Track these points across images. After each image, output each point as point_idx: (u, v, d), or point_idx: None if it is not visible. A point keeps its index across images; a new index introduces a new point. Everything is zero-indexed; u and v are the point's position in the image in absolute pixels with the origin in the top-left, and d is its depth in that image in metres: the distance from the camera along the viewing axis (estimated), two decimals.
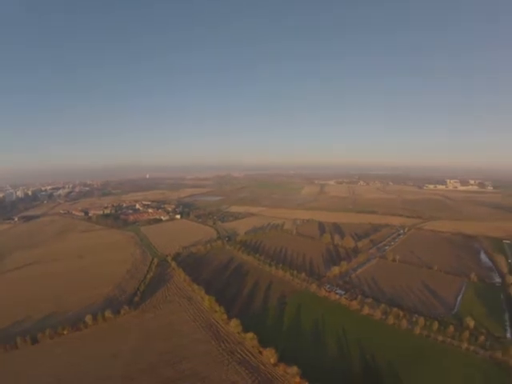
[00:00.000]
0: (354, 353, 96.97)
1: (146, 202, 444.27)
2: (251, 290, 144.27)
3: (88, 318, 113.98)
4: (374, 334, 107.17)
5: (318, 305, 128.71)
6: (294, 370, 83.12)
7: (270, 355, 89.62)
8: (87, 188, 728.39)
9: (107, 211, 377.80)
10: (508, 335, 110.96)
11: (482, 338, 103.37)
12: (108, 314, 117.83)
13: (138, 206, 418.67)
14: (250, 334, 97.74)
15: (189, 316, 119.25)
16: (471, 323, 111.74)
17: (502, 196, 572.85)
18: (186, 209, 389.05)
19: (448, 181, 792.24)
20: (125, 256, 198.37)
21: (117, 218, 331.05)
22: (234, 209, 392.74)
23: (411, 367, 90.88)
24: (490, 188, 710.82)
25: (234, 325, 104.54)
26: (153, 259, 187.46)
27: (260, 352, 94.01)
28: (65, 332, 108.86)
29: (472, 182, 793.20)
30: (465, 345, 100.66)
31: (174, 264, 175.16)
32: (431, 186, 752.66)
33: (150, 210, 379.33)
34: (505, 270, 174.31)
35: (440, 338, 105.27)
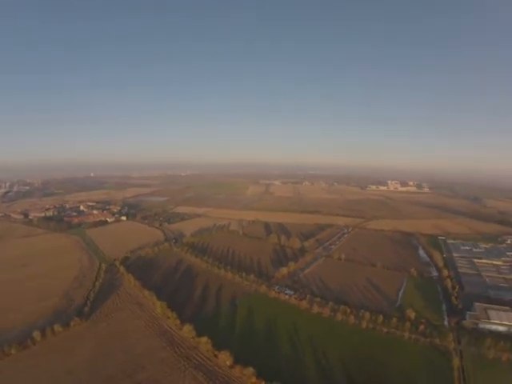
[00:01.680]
0: (306, 350, 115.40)
1: (91, 203, 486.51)
2: (202, 293, 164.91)
3: (36, 334, 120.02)
4: (324, 331, 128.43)
5: (268, 306, 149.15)
6: (250, 370, 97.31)
7: (225, 358, 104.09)
8: (27, 187, 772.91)
9: (49, 213, 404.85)
10: (445, 323, 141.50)
11: (422, 327, 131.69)
12: (57, 327, 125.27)
13: (82, 208, 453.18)
14: (204, 339, 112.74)
15: (142, 323, 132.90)
16: (412, 314, 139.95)
17: (437, 196, 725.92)
18: (132, 210, 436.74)
19: (389, 182, 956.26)
20: (71, 262, 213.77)
21: (60, 221, 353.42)
22: (180, 209, 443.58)
23: (361, 358, 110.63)
24: (426, 189, 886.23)
25: (188, 330, 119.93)
26: (101, 264, 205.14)
27: (215, 355, 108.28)
28: (12, 351, 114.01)
29: (411, 183, 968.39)
30: (407, 334, 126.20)
31: (122, 269, 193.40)
32: (373, 187, 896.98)
33: (95, 212, 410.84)
34: (440, 264, 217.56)
35: (385, 329, 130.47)
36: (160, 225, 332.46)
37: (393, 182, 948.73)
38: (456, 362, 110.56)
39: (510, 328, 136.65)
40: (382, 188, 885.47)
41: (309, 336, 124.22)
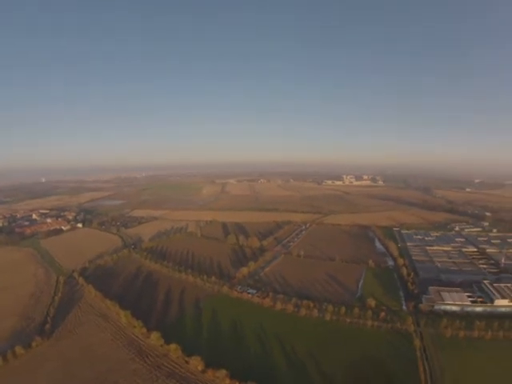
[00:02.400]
0: (274, 347, 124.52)
1: (44, 211, 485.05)
2: (165, 298, 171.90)
3: None
4: (290, 327, 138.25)
5: (232, 306, 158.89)
6: (223, 373, 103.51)
7: (196, 363, 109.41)
8: None
9: None
10: (404, 308, 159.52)
11: (382, 314, 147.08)
12: (19, 349, 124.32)
13: (34, 216, 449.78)
14: (173, 345, 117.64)
15: (108, 335, 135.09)
16: (373, 303, 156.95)
17: (390, 189, 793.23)
18: (88, 216, 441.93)
19: (344, 176, 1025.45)
20: (26, 277, 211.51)
21: (11, 232, 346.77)
22: (137, 213, 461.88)
23: (328, 349, 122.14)
24: (380, 182, 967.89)
25: (155, 338, 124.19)
26: (58, 277, 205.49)
27: (186, 361, 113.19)
28: None
29: (365, 177, 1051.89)
30: (370, 322, 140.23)
31: (82, 280, 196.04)
32: (329, 182, 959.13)
33: (48, 220, 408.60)
34: (396, 253, 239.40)
35: (348, 320, 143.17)
36: (117, 230, 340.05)
37: (348, 177, 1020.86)
38: (417, 342, 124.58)
39: (463, 307, 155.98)
40: (338, 183, 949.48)
41: (275, 333, 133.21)
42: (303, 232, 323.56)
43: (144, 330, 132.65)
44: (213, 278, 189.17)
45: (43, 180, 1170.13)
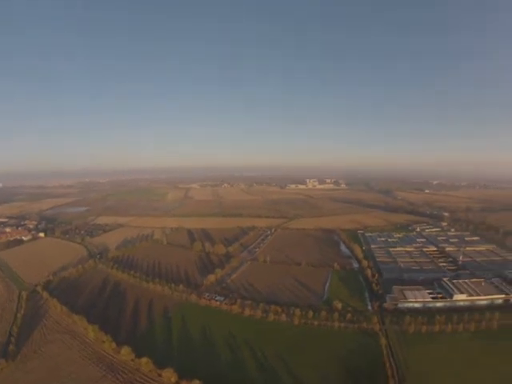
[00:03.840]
0: (245, 353, 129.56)
1: (3, 219, 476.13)
2: (133, 309, 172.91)
3: None
4: (259, 332, 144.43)
5: (201, 314, 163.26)
6: (196, 383, 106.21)
7: (169, 375, 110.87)
8: None
9: None
10: (369, 308, 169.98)
11: (349, 315, 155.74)
12: None
13: None
14: (145, 359, 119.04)
15: (76, 353, 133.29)
16: (339, 305, 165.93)
17: (353, 192, 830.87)
18: (50, 224, 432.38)
19: (308, 180, 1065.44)
20: None
21: None
22: (102, 220, 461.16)
23: (297, 352, 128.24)
24: (343, 185, 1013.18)
25: (126, 352, 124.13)
26: (20, 293, 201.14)
27: (159, 374, 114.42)
28: None
29: (328, 180, 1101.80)
30: (337, 324, 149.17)
31: (46, 295, 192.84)
32: (293, 186, 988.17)
33: (7, 230, 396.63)
34: (360, 256, 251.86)
35: (316, 322, 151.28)
36: (82, 239, 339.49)
37: (311, 181, 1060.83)
38: (383, 340, 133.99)
39: (425, 304, 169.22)
40: (301, 186, 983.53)
41: (245, 339, 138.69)
42: (268, 237, 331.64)
43: (113, 344, 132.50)
44: (180, 287, 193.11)
45: (0, 185, 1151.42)
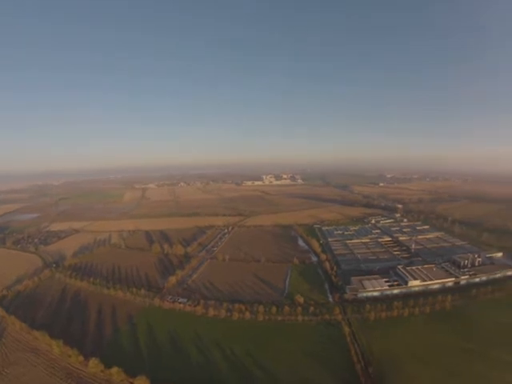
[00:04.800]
0: (215, 353, 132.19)
1: None
2: (97, 319, 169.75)
3: None
4: (225, 332, 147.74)
5: (166, 318, 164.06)
6: None
7: (142, 383, 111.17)
8: None
9: None
10: (330, 300, 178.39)
11: (311, 308, 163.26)
12: None
13: None
14: (115, 369, 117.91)
15: (43, 371, 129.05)
16: (301, 299, 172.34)
17: (310, 187, 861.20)
18: (0, 234, 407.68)
19: (264, 176, 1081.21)
20: None
21: None
22: (56, 226, 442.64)
23: (265, 347, 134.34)
24: (300, 180, 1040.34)
25: (94, 364, 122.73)
26: None
27: (131, 383, 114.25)
28: None
29: (285, 176, 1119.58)
30: (300, 317, 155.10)
31: (2, 311, 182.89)
32: (249, 183, 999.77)
33: None
34: (318, 250, 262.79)
35: (280, 318, 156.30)
36: (36, 248, 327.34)
37: (268, 177, 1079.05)
38: (346, 329, 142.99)
39: (382, 291, 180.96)
40: (258, 183, 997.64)
41: (213, 340, 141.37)
42: (226, 235, 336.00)
43: (81, 357, 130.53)
44: (142, 291, 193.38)
45: None
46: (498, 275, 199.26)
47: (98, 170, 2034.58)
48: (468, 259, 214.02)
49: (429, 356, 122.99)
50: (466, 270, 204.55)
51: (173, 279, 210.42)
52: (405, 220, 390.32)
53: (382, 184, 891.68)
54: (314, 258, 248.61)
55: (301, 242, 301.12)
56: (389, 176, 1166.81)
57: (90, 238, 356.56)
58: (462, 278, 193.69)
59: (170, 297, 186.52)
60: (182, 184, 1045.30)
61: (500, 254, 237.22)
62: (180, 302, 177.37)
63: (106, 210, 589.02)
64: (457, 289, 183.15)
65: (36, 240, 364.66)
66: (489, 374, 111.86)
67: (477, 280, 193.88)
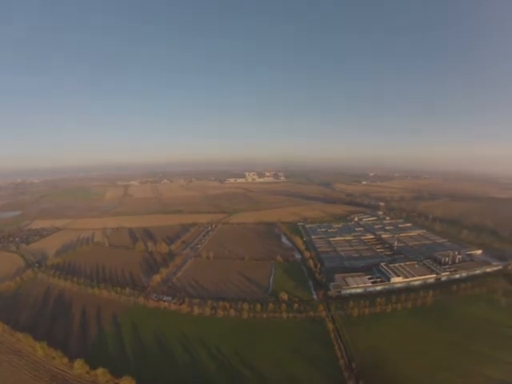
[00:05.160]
0: (201, 352, 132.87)
1: None
2: (81, 319, 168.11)
3: None
4: (211, 330, 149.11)
5: (151, 316, 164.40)
6: None
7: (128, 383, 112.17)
8: None
9: None
10: (314, 297, 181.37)
11: (296, 305, 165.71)
12: None
13: None
14: (100, 370, 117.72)
15: (26, 374, 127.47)
16: (285, 296, 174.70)
17: (293, 184, 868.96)
18: None
19: (247, 174, 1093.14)
20: None
21: None
22: (37, 224, 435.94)
23: (251, 345, 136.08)
24: (282, 178, 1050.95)
25: (79, 365, 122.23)
26: None
27: None
28: None
29: (268, 173, 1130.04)
30: (285, 314, 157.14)
31: None
32: (232, 180, 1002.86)
33: None
34: (302, 247, 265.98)
35: (264, 315, 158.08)
36: (17, 247, 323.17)
37: (251, 174, 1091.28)
38: (330, 325, 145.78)
39: (366, 288, 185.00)
40: (241, 180, 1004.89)
41: (198, 338, 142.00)
42: (210, 233, 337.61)
43: (65, 359, 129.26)
44: (127, 290, 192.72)
45: None
46: (477, 271, 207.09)
47: (79, 167, 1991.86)
48: (449, 256, 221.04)
49: (411, 350, 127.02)
50: (446, 266, 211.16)
51: (157, 277, 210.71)
52: (387, 218, 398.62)
53: (364, 182, 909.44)
54: (298, 256, 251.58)
55: (284, 240, 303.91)
56: (371, 174, 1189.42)
57: (73, 237, 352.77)
58: (443, 274, 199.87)
59: (154, 295, 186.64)
60: (165, 181, 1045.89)
61: (479, 252, 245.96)
62: (165, 301, 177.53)
63: (89, 207, 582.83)
64: (438, 285, 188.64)
65: (17, 239, 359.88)
66: (470, 367, 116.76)
67: (457, 276, 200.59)
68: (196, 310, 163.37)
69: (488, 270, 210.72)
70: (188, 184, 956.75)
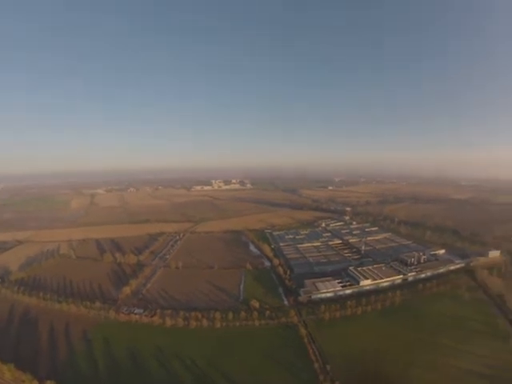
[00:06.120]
0: (176, 365, 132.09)
1: None
2: (49, 337, 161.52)
3: None
4: (184, 341, 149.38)
5: (123, 331, 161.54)
6: None
7: None
8: None
9: None
10: (285, 303, 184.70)
11: (267, 312, 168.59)
12: None
13: None
14: None
15: None
16: (256, 304, 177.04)
17: (259, 191, 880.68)
18: None
19: (213, 181, 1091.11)
20: None
21: None
22: None
23: (225, 354, 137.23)
24: (249, 185, 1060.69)
25: None
26: None
27: None
28: None
29: (234, 180, 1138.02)
30: (257, 322, 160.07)
31: None
32: (198, 188, 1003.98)
33: None
34: (271, 254, 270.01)
35: (237, 323, 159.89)
36: None
37: (217, 181, 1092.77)
38: (303, 330, 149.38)
39: (336, 292, 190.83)
40: (207, 188, 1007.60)
41: (172, 350, 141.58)
42: (178, 242, 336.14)
43: (35, 382, 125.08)
44: (97, 304, 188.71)
45: None
46: (441, 270, 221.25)
47: (42, 174, 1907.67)
48: (414, 257, 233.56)
49: (383, 348, 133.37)
50: (412, 267, 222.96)
51: (127, 289, 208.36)
52: (354, 222, 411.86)
53: (330, 187, 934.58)
54: (267, 263, 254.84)
55: (252, 248, 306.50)
56: (337, 180, 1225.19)
57: (37, 249, 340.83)
58: (410, 274, 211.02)
59: (125, 308, 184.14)
60: (132, 189, 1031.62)
61: (443, 251, 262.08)
62: (136, 314, 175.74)
63: (53, 217, 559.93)
64: (405, 285, 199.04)
65: None
66: (439, 361, 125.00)
67: (423, 276, 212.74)
68: (168, 322, 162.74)
69: (451, 267, 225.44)
70: (155, 192, 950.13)
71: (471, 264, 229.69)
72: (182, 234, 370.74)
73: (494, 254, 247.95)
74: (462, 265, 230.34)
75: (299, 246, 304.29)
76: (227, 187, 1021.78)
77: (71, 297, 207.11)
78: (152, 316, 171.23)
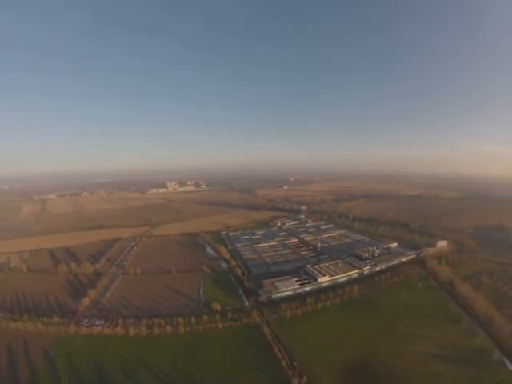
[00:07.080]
0: (144, 376, 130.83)
1: None
2: (8, 359, 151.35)
3: None
4: (149, 349, 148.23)
5: (86, 345, 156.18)
6: None
7: None
8: None
9: None
10: (246, 304, 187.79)
11: (229, 314, 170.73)
12: None
13: None
14: None
15: None
16: (218, 306, 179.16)
17: (215, 192, 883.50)
18: None
19: (168, 183, 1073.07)
20: None
21: None
22: None
23: (191, 358, 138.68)
24: (204, 186, 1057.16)
25: None
26: None
27: None
28: None
29: (189, 182, 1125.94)
30: (220, 324, 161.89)
31: None
32: (154, 190, 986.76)
33: None
34: (227, 256, 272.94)
35: (201, 327, 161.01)
36: None
37: (172, 183, 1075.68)
38: (266, 330, 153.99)
39: (295, 290, 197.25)
40: (162, 190, 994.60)
41: (138, 360, 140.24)
42: (134, 248, 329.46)
43: None
44: (55, 318, 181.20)
45: None
46: (394, 262, 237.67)
47: None
48: (369, 252, 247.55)
49: (346, 340, 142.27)
50: (367, 261, 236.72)
51: (86, 301, 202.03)
52: (309, 221, 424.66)
53: (285, 187, 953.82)
54: (224, 265, 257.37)
55: (209, 250, 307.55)
56: (292, 179, 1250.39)
57: None
58: (365, 268, 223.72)
59: (86, 320, 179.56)
60: (86, 194, 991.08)
61: (395, 244, 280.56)
62: (97, 325, 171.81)
63: (1, 227, 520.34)
64: (361, 279, 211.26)
65: None
66: (401, 348, 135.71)
67: (378, 269, 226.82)
68: (132, 331, 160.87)
69: (404, 259, 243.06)
70: (109, 196, 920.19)
71: (421, 255, 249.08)
72: (138, 239, 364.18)
73: (442, 244, 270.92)
74: (414, 256, 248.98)
75: (256, 246, 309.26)
76: (182, 189, 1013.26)
77: (27, 313, 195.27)
78: (114, 326, 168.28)
